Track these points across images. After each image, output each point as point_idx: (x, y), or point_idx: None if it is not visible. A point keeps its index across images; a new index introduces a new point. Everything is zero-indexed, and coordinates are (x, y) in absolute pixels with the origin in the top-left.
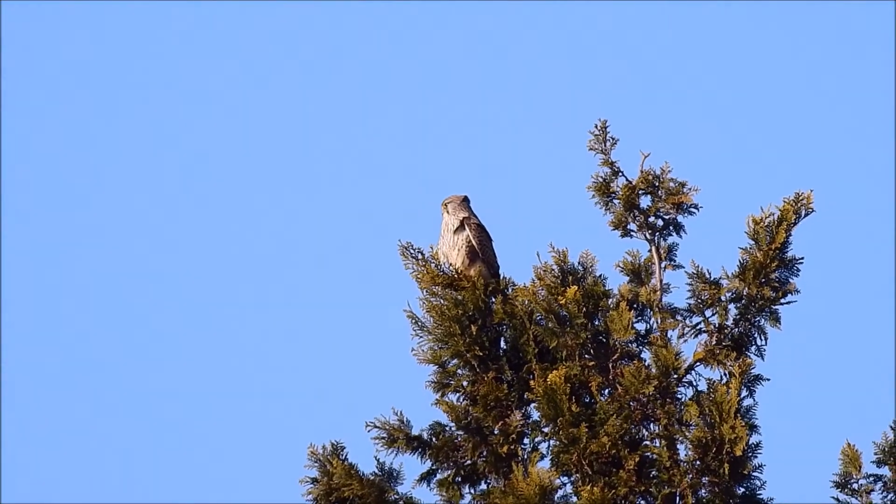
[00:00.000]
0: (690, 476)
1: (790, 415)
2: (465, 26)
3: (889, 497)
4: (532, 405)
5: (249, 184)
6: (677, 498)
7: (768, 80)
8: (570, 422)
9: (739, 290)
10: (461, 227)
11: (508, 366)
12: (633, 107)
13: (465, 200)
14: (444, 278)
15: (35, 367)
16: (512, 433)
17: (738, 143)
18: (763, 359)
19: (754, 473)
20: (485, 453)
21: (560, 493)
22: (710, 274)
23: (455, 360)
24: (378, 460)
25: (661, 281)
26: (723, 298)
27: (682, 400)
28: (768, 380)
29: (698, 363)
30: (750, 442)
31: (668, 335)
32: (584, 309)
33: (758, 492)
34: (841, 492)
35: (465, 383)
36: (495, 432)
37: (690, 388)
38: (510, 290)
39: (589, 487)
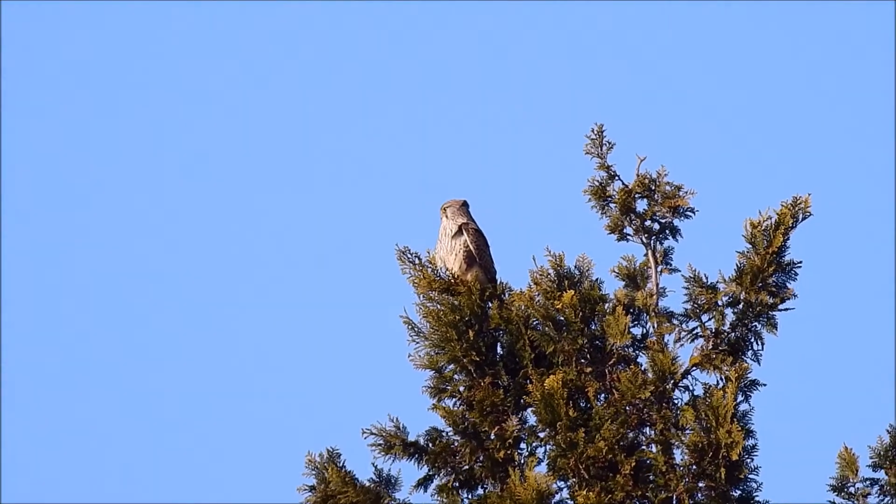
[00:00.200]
0: (687, 480)
1: (787, 419)
2: (465, 26)
3: (885, 501)
4: (529, 410)
5: (248, 184)
6: (674, 502)
7: (768, 80)
8: (568, 426)
9: (736, 295)
10: (459, 232)
11: (505, 371)
12: (632, 108)
13: (465, 205)
14: (441, 283)
15: (35, 367)
16: (508, 438)
17: (737, 144)
18: (759, 364)
19: (750, 477)
20: (482, 458)
21: (557, 497)
22: (706, 278)
23: (452, 366)
24: (375, 467)
25: (657, 285)
26: (720, 303)
27: (679, 404)
28: (764, 385)
29: (695, 368)
30: (746, 446)
31: (665, 340)
32: (581, 313)
33: (754, 495)
34: (837, 495)
35: (461, 388)
36: (492, 437)
37: (687, 392)
38: (507, 295)
39: (585, 492)
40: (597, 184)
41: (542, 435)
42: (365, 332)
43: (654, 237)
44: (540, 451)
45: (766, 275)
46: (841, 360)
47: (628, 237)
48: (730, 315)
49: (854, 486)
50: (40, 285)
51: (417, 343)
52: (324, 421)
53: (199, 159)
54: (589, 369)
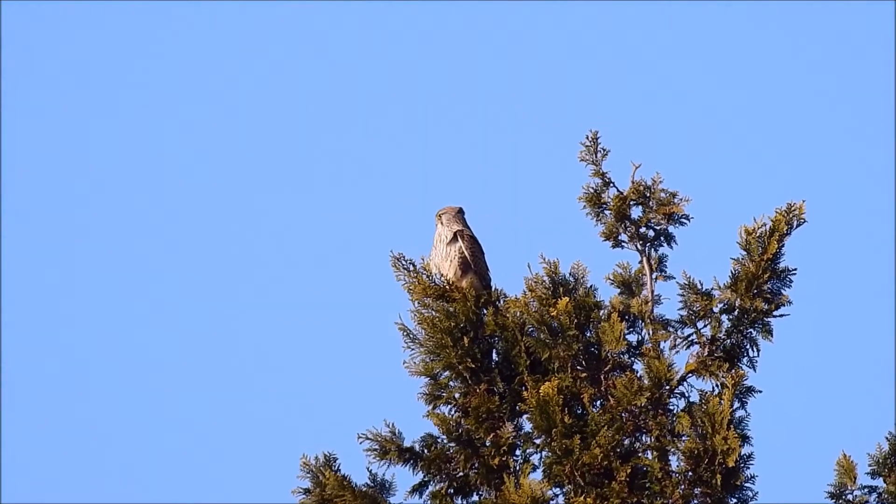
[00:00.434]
0: (682, 487)
1: (784, 425)
2: (464, 27)
3: None
4: (524, 417)
5: (248, 184)
6: None
7: (768, 80)
8: (563, 433)
9: (731, 301)
10: (454, 239)
11: (500, 378)
12: (630, 110)
13: (460, 212)
14: (436, 290)
15: (35, 367)
16: (504, 445)
17: (736, 144)
18: (755, 370)
19: (746, 484)
20: (476, 465)
21: None
22: (701, 285)
23: (447, 372)
24: (370, 472)
25: (652, 292)
26: (715, 310)
27: (675, 411)
28: (760, 391)
29: (690, 374)
30: (742, 453)
31: (660, 346)
32: (576, 320)
33: (750, 502)
34: (835, 502)
35: (456, 395)
36: (487, 444)
37: (682, 399)
38: (502, 302)
39: (581, 499)
40: (591, 191)
41: (537, 441)
42: (361, 337)
43: (648, 244)
44: (535, 457)
45: (761, 281)
46: (839, 366)
47: (623, 244)
48: (725, 322)
49: (852, 493)
50: (40, 285)
51: (412, 350)
52: (319, 425)
53: (198, 159)
54: (584, 376)
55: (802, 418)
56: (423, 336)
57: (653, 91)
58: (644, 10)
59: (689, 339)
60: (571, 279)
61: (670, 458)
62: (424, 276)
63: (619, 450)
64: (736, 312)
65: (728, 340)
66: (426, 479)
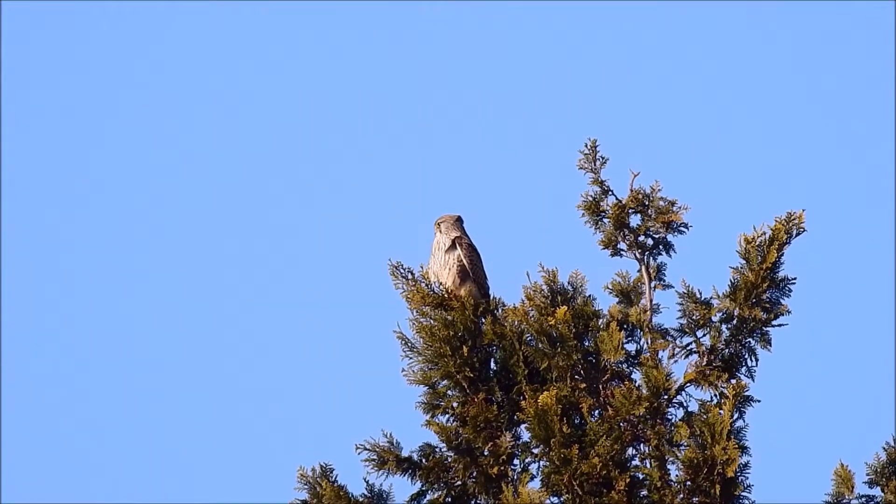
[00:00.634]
0: (681, 497)
1: (783, 434)
2: (464, 30)
3: None
4: (522, 426)
5: (245, 190)
6: None
7: (767, 85)
8: (562, 442)
9: (730, 311)
10: (453, 247)
11: (499, 387)
12: (629, 117)
13: (459, 220)
14: (434, 298)
15: (35, 367)
16: (502, 454)
17: (735, 151)
18: (753, 380)
19: (744, 494)
20: (475, 474)
21: None
22: (700, 294)
23: (445, 381)
24: (368, 482)
25: (651, 301)
26: (714, 319)
27: (673, 420)
28: (758, 401)
29: (689, 384)
30: (740, 462)
31: (659, 356)
32: (574, 329)
33: None
34: None
35: (455, 404)
36: (485, 453)
37: (681, 408)
38: (500, 311)
39: None
40: (590, 199)
41: (535, 451)
42: (359, 345)
43: (647, 253)
44: (533, 467)
45: (760, 290)
46: (837, 375)
47: (622, 252)
48: (724, 331)
49: (849, 502)
50: (40, 285)
51: (411, 358)
52: (316, 435)
53: (198, 160)
54: (583, 385)
55: (800, 427)
56: (421, 345)
57: (651, 98)
58: (643, 16)
59: (688, 348)
60: (570, 288)
61: (669, 467)
62: (423, 285)
63: (617, 459)
64: (735, 322)
65: (726, 350)
66: (424, 488)
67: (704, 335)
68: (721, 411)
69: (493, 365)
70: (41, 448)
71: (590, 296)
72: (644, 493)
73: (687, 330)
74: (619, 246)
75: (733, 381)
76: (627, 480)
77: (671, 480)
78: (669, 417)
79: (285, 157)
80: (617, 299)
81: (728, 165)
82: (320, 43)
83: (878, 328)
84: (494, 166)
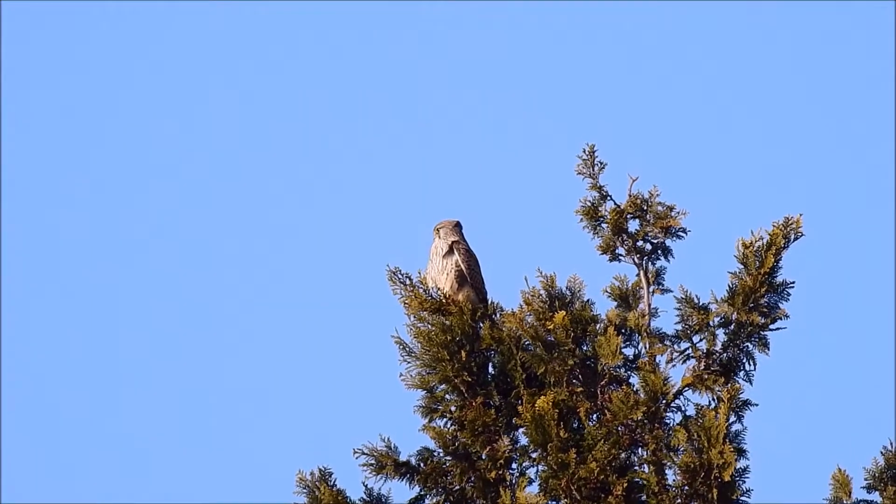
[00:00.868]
0: (679, 501)
1: (781, 439)
2: (464, 32)
3: None
4: (520, 431)
5: (247, 185)
6: None
7: (766, 89)
8: (559, 447)
9: (728, 315)
10: (450, 251)
11: (496, 391)
12: (627, 120)
13: (458, 226)
14: (433, 303)
15: (35, 367)
16: (500, 459)
17: (734, 146)
18: (751, 384)
19: (742, 498)
20: (473, 479)
21: None
22: (698, 299)
23: (443, 386)
24: (366, 486)
25: (649, 305)
26: (711, 323)
27: (671, 425)
28: (756, 405)
29: (687, 388)
30: (738, 466)
31: (657, 360)
32: (572, 334)
33: None
34: None
35: (452, 409)
36: (483, 458)
37: (679, 413)
38: (498, 316)
39: None
40: (589, 204)
41: (533, 455)
42: (357, 350)
43: (646, 257)
44: (531, 471)
45: (758, 295)
46: (836, 379)
47: (620, 257)
48: (721, 335)
49: None
50: (40, 285)
51: (409, 363)
52: (315, 439)
53: (198, 159)
54: (580, 390)
55: (799, 432)
56: (419, 350)
57: (651, 99)
58: (643, 16)
59: (686, 352)
60: (568, 293)
61: (667, 472)
62: (421, 290)
63: (615, 464)
64: (733, 326)
65: (724, 354)
66: (422, 492)
67: (702, 340)
68: (717, 415)
69: (490, 369)
70: (41, 448)
71: (588, 300)
72: (642, 497)
73: (684, 335)
74: (617, 251)
75: (729, 385)
76: (625, 485)
77: (669, 485)
78: (667, 422)
79: (285, 157)
80: (615, 304)
81: (727, 168)
82: (320, 43)
83: (877, 332)
84: (494, 168)
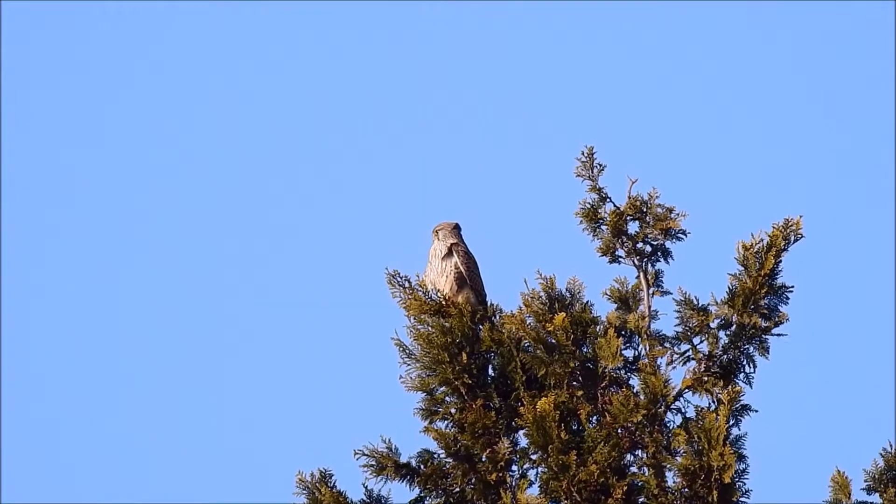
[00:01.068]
0: (679, 503)
1: (781, 440)
2: (464, 34)
3: None
4: (520, 432)
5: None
6: None
7: (766, 90)
8: (560, 449)
9: (728, 317)
10: (449, 254)
11: (497, 393)
12: (627, 122)
13: (457, 228)
14: (432, 306)
15: (35, 367)
16: (500, 460)
17: (734, 146)
18: (751, 386)
19: (742, 499)
20: (473, 480)
21: None
22: (698, 301)
23: (443, 388)
24: (366, 488)
25: (649, 307)
26: (711, 325)
27: (671, 427)
28: (756, 411)
29: (687, 390)
30: (738, 469)
31: (657, 362)
32: (572, 336)
33: None
34: None
35: (453, 411)
36: (483, 459)
37: (679, 415)
38: (498, 318)
39: None
40: (588, 206)
41: (533, 457)
42: (357, 352)
43: (646, 259)
44: (532, 473)
45: (758, 297)
46: (836, 381)
47: (620, 259)
48: (722, 338)
49: None
50: (40, 285)
51: (409, 366)
52: (315, 441)
53: (198, 159)
54: (581, 392)
55: (798, 433)
56: (419, 352)
57: (651, 99)
58: (643, 16)
59: (686, 355)
60: (568, 295)
61: (667, 474)
62: (420, 293)
63: (615, 466)
64: (733, 328)
65: (724, 356)
66: (423, 494)
67: (702, 342)
68: (717, 417)
69: (490, 371)
70: (41, 448)
71: (588, 302)
72: (642, 499)
73: (682, 338)
74: (617, 253)
75: (729, 388)
76: (625, 487)
77: (669, 487)
78: (667, 424)
79: (285, 157)
80: (615, 306)
81: (727, 169)
82: (320, 43)
83: (877, 332)
84: (493, 169)
